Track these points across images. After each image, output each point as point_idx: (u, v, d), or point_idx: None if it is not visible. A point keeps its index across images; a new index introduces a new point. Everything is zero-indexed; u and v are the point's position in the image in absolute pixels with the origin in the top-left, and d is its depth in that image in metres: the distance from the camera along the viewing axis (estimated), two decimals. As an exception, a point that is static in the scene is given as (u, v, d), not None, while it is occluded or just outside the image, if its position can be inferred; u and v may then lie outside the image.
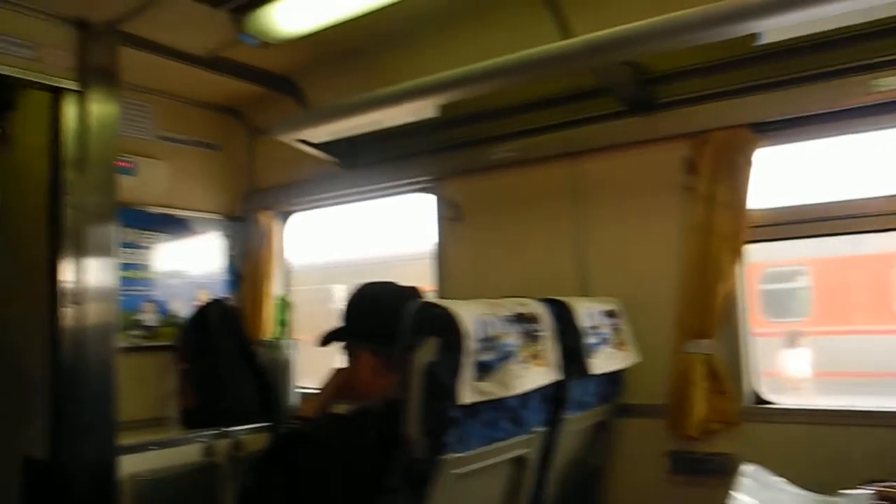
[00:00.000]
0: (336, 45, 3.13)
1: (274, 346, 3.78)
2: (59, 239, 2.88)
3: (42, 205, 2.90)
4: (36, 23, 2.84)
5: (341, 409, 2.08)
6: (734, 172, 2.54)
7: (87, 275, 2.89)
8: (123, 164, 3.32)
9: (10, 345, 2.47)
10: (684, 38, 2.19)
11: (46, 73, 2.87)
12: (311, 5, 2.71)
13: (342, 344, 2.11)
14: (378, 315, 2.01)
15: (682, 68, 2.69)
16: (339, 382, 2.13)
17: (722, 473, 2.50)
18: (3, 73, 2.75)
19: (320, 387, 2.17)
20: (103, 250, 2.94)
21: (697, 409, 2.54)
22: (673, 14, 2.16)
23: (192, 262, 3.91)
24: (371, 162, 3.51)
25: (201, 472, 3.24)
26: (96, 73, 2.97)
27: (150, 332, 3.65)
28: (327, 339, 2.13)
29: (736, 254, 2.54)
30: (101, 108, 2.97)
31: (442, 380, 1.68)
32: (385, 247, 4.54)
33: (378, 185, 3.55)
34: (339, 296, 4.56)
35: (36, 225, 2.90)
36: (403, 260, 4.39)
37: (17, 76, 2.80)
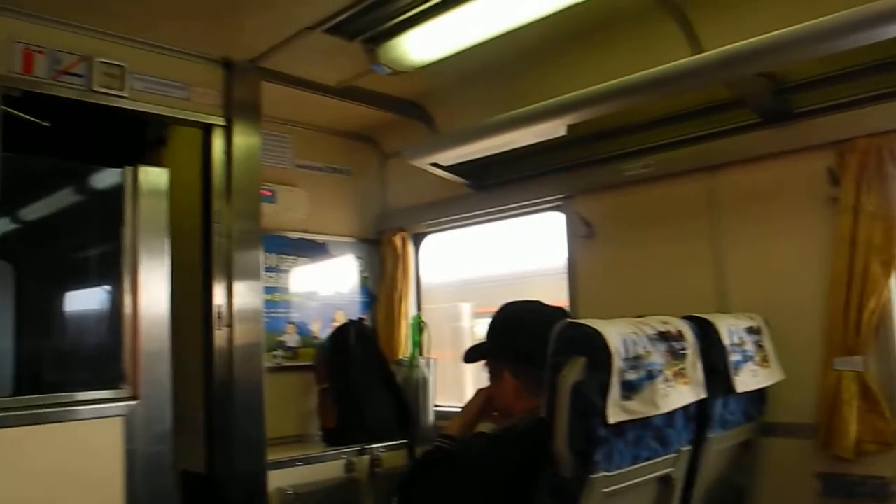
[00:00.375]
0: (464, 70, 3.20)
1: (409, 364, 3.87)
2: (211, 264, 3.08)
3: (195, 233, 3.11)
4: (187, 65, 3.06)
5: (486, 427, 2.11)
6: (885, 181, 2.41)
7: (235, 298, 3.07)
8: (265, 192, 3.49)
9: (172, 365, 2.64)
10: (828, 45, 2.12)
11: (196, 111, 3.08)
12: (441, 34, 2.79)
13: (485, 362, 2.14)
14: (521, 335, 2.03)
15: (822, 75, 2.59)
16: (483, 401, 2.16)
17: (880, 498, 2.39)
18: (160, 112, 2.97)
19: (464, 406, 2.21)
20: (250, 274, 3.12)
21: (850, 429, 2.43)
22: (814, 21, 2.09)
23: (329, 284, 4.06)
24: (501, 182, 3.54)
25: (343, 487, 3.36)
26: (241, 109, 3.17)
27: (292, 352, 3.82)
28: (471, 357, 2.16)
29: (889, 266, 2.41)
30: (245, 140, 3.17)
31: (590, 399, 1.69)
32: (515, 264, 4.54)
33: (509, 205, 3.58)
34: (468, 314, 4.61)
35: (190, 252, 3.10)
36: (533, 277, 4.38)
37: (172, 115, 3.03)
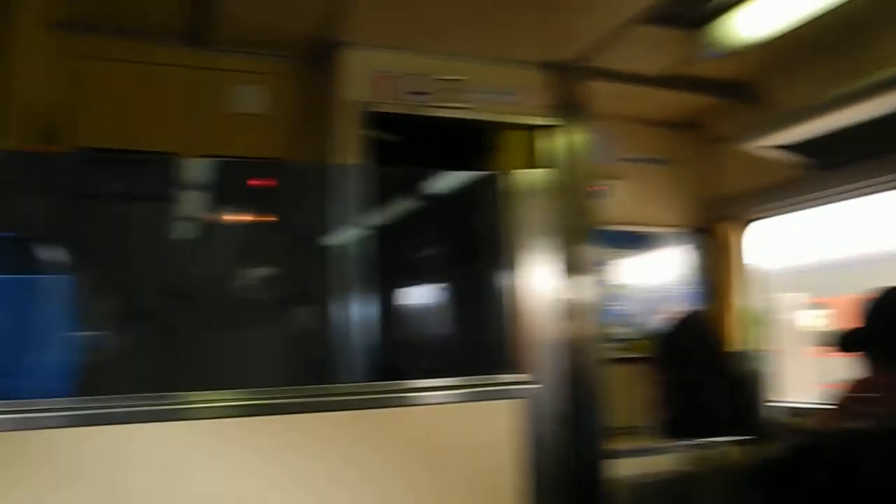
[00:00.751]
0: (797, 43, 3.00)
1: (748, 357, 3.72)
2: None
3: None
4: (513, 71, 3.23)
5: (859, 423, 1.96)
6: None
7: (570, 292, 3.17)
8: (598, 187, 3.56)
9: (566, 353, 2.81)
10: None
11: (525, 114, 3.24)
12: (774, 7, 2.65)
13: (861, 353, 1.99)
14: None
15: None
16: (856, 393, 2.01)
17: None
18: (493, 119, 3.17)
19: (834, 399, 2.07)
20: (583, 269, 3.20)
21: None
22: None
23: (656, 276, 4.04)
24: (849, 159, 3.23)
25: (682, 480, 3.32)
26: (567, 108, 3.27)
27: (624, 343, 3.85)
28: (847, 346, 2.03)
29: None
30: (573, 139, 3.26)
31: None
32: (856, 248, 4.15)
33: (858, 184, 3.26)
34: (803, 304, 4.32)
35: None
36: (880, 261, 4.01)
37: (503, 121, 3.21)
